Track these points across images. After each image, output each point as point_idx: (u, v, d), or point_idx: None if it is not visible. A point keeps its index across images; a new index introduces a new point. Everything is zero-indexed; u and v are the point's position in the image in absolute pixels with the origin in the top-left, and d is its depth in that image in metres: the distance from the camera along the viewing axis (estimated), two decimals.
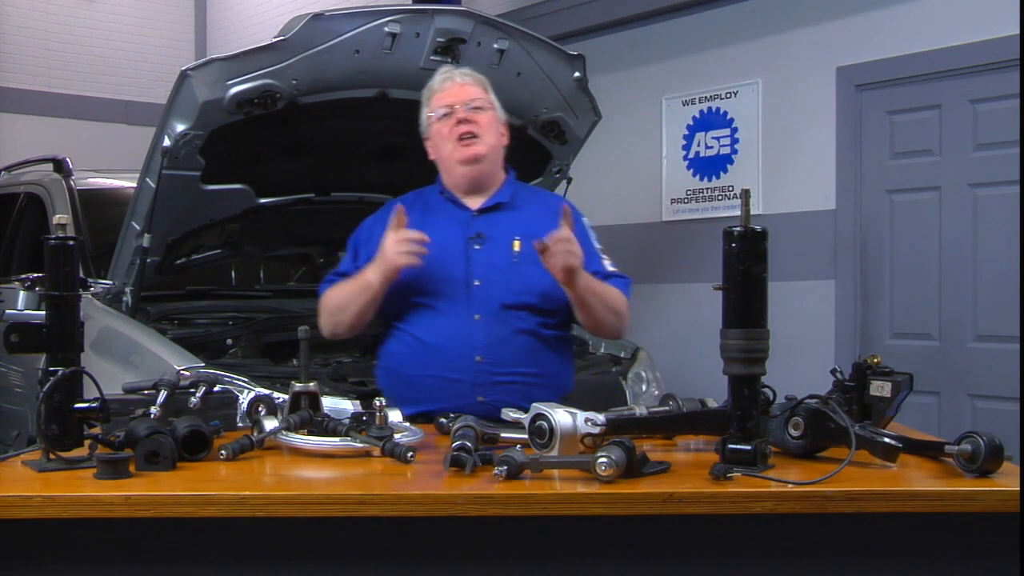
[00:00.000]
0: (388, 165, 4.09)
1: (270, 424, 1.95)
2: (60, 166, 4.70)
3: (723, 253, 1.75)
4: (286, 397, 2.05)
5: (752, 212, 1.75)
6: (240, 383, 3.00)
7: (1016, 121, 4.14)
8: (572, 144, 4.10)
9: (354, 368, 3.62)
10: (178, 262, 4.03)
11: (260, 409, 2.10)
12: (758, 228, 1.74)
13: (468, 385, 2.37)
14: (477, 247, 2.46)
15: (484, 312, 2.40)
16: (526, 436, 1.89)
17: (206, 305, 4.15)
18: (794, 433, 1.82)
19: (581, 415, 1.86)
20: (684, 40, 5.54)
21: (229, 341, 3.83)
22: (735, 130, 5.30)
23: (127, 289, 3.71)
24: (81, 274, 1.88)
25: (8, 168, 5.47)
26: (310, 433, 1.96)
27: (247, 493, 1.58)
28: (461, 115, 2.46)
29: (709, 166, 5.43)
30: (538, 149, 4.06)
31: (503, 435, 2.00)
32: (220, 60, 3.34)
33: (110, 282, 3.78)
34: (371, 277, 2.39)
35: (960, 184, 4.46)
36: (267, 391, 2.35)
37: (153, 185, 3.47)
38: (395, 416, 2.05)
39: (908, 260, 4.67)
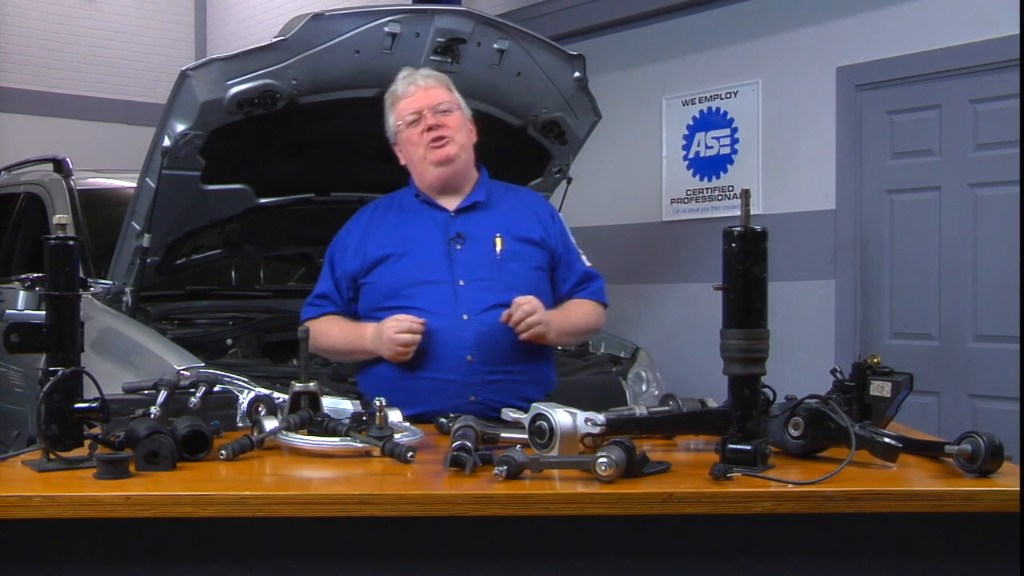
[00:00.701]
0: (388, 165, 4.04)
1: (270, 424, 1.95)
2: (60, 166, 4.70)
3: (723, 253, 1.75)
4: (286, 397, 2.05)
5: (752, 212, 1.75)
6: (240, 383, 3.00)
7: (1016, 121, 4.14)
8: (572, 144, 4.10)
9: (354, 368, 3.61)
10: (178, 262, 4.03)
11: (260, 409, 2.10)
12: (758, 228, 1.74)
13: (460, 385, 2.38)
14: (459, 247, 2.47)
15: (472, 312, 2.40)
16: (526, 436, 1.89)
17: (206, 305, 4.16)
18: (794, 433, 1.82)
19: (581, 415, 1.86)
20: (684, 40, 5.54)
21: (229, 341, 3.83)
22: (735, 130, 5.30)
23: (127, 289, 3.71)
24: (81, 274, 1.87)
25: (8, 168, 5.47)
26: (310, 433, 1.96)
27: (247, 493, 1.58)
28: (430, 121, 2.48)
29: (709, 166, 5.43)
30: (538, 149, 4.06)
31: (503, 435, 2.00)
32: (220, 60, 3.35)
33: (110, 282, 3.79)
34: (369, 346, 2.43)
35: (960, 184, 4.46)
36: (267, 391, 2.35)
37: (153, 185, 3.47)
38: (395, 416, 2.05)
39: (908, 260, 4.67)
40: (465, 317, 2.40)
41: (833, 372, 2.10)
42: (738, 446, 1.71)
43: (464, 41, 3.49)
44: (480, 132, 2.64)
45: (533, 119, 3.89)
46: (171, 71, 3.60)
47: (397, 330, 2.35)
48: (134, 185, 3.64)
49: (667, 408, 2.09)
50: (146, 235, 3.55)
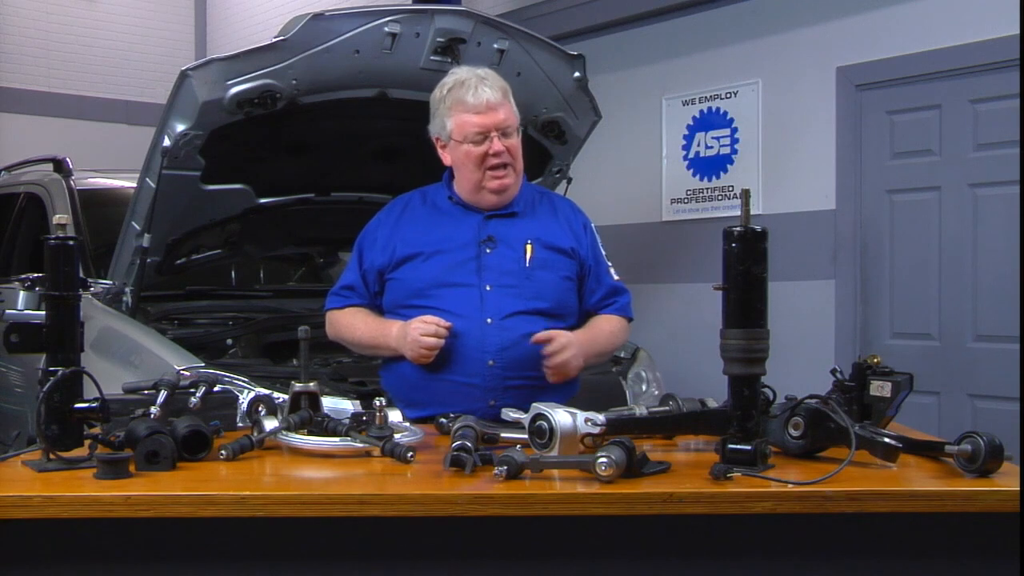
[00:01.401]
0: (388, 165, 4.09)
1: (270, 424, 1.95)
2: (60, 166, 4.70)
3: (723, 253, 1.75)
4: (286, 397, 2.05)
5: (752, 212, 1.75)
6: (240, 383, 3.00)
7: (1016, 121, 4.14)
8: (572, 144, 4.10)
9: (354, 368, 3.61)
10: (178, 262, 4.04)
11: (260, 409, 2.10)
12: (758, 228, 1.74)
13: (481, 389, 2.37)
14: (488, 251, 2.45)
15: (496, 316, 2.39)
16: (526, 436, 1.89)
17: (206, 305, 4.16)
18: (794, 433, 1.82)
19: (581, 415, 1.86)
20: (684, 40, 5.54)
21: (229, 341, 3.84)
22: (735, 130, 5.30)
23: (127, 289, 3.71)
24: (81, 274, 1.87)
25: (8, 168, 5.47)
26: (310, 433, 1.96)
27: (247, 493, 1.58)
28: (497, 146, 2.40)
29: (709, 166, 5.43)
30: (538, 149, 4.06)
31: (503, 435, 2.00)
32: (220, 60, 3.35)
33: (110, 282, 3.79)
34: (393, 343, 2.41)
35: (960, 184, 4.46)
36: (267, 391, 2.35)
37: (153, 185, 3.47)
38: (395, 416, 2.05)
39: (908, 260, 4.66)
40: (489, 321, 2.38)
41: (833, 372, 2.10)
42: (738, 446, 1.71)
43: (464, 41, 3.49)
44: None
45: (533, 119, 3.89)
46: (171, 71, 3.60)
47: (423, 332, 2.33)
48: (134, 185, 3.64)
49: (667, 408, 2.09)
50: (146, 235, 3.55)
